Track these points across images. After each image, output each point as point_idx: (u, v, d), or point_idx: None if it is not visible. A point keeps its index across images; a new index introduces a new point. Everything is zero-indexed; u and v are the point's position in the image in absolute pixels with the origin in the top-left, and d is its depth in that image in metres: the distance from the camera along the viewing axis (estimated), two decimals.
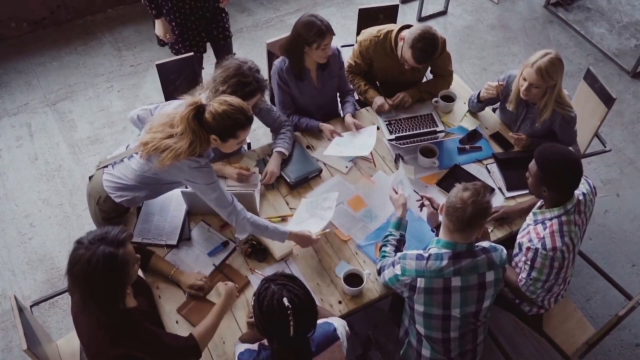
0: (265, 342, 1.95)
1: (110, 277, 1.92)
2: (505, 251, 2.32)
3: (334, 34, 2.92)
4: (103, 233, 1.95)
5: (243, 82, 2.60)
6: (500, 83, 2.99)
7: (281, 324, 1.78)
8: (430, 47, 2.91)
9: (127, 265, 1.97)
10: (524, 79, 2.78)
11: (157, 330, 2.14)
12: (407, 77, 3.26)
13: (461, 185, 2.20)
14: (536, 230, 2.41)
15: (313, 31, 2.84)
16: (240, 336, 2.25)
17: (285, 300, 1.77)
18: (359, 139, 3.01)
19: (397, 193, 2.64)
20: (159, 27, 3.50)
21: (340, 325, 2.05)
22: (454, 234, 2.19)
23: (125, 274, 1.98)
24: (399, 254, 2.32)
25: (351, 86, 3.32)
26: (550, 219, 2.38)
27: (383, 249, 2.49)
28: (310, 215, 2.73)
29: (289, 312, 1.76)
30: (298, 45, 2.92)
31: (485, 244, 2.31)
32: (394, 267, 2.30)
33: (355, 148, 2.96)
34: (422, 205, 2.67)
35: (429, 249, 2.27)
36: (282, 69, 3.02)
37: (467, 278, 2.21)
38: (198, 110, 2.32)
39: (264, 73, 3.41)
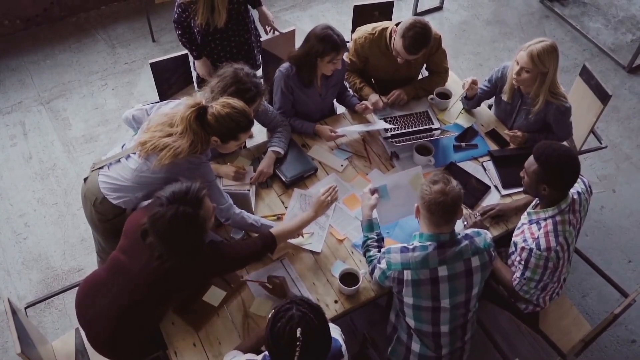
0: (267, 354, 1.90)
1: (191, 235, 2.07)
2: (489, 234, 2.33)
3: (347, 50, 2.92)
4: (183, 192, 2.05)
5: (242, 89, 2.55)
6: (467, 80, 3.02)
7: (286, 351, 1.73)
8: (420, 36, 2.88)
9: (205, 222, 2.10)
10: (517, 62, 2.81)
11: (234, 245, 2.37)
12: (403, 75, 3.25)
13: (425, 182, 2.22)
14: (531, 230, 2.40)
15: (328, 45, 2.80)
16: (238, 346, 2.23)
17: (298, 330, 1.72)
18: (367, 124, 3.10)
19: (372, 194, 2.59)
20: (200, 67, 3.38)
21: (340, 337, 2.03)
22: (442, 227, 2.21)
23: (205, 230, 2.12)
24: (383, 249, 2.32)
25: (346, 84, 3.31)
26: (545, 219, 2.38)
27: (367, 254, 2.48)
28: (303, 211, 2.74)
29: (297, 343, 1.71)
30: (310, 57, 2.88)
31: (468, 230, 2.32)
32: (379, 263, 2.31)
33: (367, 127, 3.07)
34: None
35: (412, 243, 2.27)
36: (289, 76, 2.98)
37: (454, 266, 2.22)
38: (199, 111, 2.31)
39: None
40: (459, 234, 2.27)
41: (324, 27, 2.85)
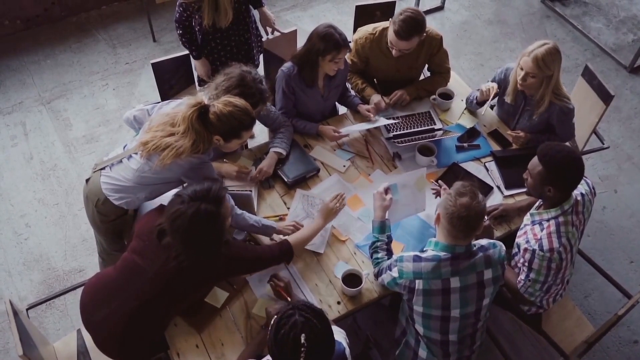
0: (269, 359, 1.88)
1: (211, 233, 2.09)
2: (503, 247, 2.31)
3: (349, 50, 2.92)
4: (205, 190, 2.08)
5: (246, 93, 2.53)
6: (489, 87, 2.96)
7: (291, 357, 1.70)
8: (411, 20, 2.86)
9: (225, 221, 2.14)
10: (521, 68, 2.78)
11: (250, 247, 2.44)
12: (404, 75, 3.24)
13: (452, 191, 2.17)
14: (533, 231, 2.40)
15: (330, 43, 2.80)
16: (238, 356, 2.22)
17: (302, 336, 1.69)
18: (370, 122, 3.09)
19: (386, 194, 2.55)
20: (200, 68, 3.37)
21: (344, 340, 2.01)
22: (459, 240, 2.17)
23: (224, 228, 2.15)
24: (395, 256, 2.30)
25: (348, 85, 3.30)
26: (548, 220, 2.38)
27: (374, 256, 2.46)
28: (306, 214, 2.74)
29: (302, 349, 1.69)
30: (312, 56, 2.88)
31: (483, 241, 2.29)
32: (390, 270, 2.28)
33: (370, 124, 3.06)
34: (438, 194, 2.66)
35: (425, 251, 2.25)
36: (290, 76, 2.97)
37: (466, 278, 2.20)
38: (201, 110, 2.30)
39: (260, 71, 3.40)
40: (475, 246, 2.24)
41: (327, 25, 2.85)
